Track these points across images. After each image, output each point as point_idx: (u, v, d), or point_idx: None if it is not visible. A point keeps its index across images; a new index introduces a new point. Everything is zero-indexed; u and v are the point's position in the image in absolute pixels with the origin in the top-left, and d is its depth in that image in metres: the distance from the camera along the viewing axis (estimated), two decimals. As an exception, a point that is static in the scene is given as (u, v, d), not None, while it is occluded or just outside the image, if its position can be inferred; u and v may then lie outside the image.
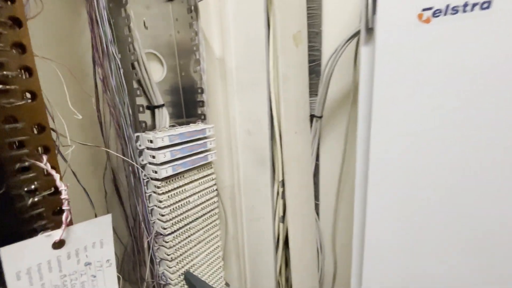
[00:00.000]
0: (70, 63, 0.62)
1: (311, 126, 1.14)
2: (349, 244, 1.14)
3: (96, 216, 0.55)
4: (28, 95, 0.36)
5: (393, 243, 0.78)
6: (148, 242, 0.75)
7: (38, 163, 0.33)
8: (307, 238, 1.18)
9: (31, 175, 0.34)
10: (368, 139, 0.74)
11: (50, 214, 0.38)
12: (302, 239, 1.14)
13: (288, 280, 1.26)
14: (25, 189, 0.34)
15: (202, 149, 0.81)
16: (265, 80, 0.97)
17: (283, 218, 1.09)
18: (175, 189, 0.75)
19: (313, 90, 1.13)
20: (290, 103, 0.99)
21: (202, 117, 0.92)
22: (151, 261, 0.77)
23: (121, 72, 0.63)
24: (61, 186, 0.33)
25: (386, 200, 0.75)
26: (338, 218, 1.23)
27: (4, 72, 0.33)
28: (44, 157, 0.34)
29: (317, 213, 1.26)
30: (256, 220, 1.15)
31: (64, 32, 0.65)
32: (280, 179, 1.03)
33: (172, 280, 0.77)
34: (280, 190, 1.04)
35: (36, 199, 0.35)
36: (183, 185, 0.78)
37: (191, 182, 0.80)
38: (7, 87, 0.33)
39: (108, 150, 0.49)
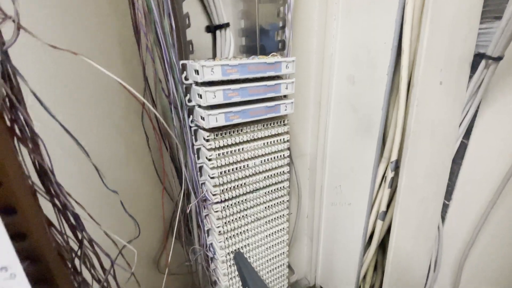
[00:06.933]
0: None
1: (471, 74, 0.65)
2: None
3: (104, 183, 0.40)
4: None
5: None
6: (196, 206, 0.61)
7: None
8: (418, 247, 0.79)
9: None
10: None
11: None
12: (411, 248, 0.77)
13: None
14: None
15: (273, 95, 0.54)
16: (398, -17, 0.55)
17: (385, 214, 0.74)
18: (228, 146, 0.54)
19: (487, 9, 0.61)
20: (441, 29, 0.55)
21: (280, 45, 0.62)
22: (199, 227, 0.64)
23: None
24: None
25: None
26: (484, 231, 0.76)
27: None
28: None
29: (442, 217, 0.82)
30: (341, 205, 0.85)
31: None
32: (393, 158, 0.65)
33: (219, 256, 0.62)
34: (390, 174, 0.67)
35: None
36: (240, 143, 0.55)
37: (252, 140, 0.57)
38: None
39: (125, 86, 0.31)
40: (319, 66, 0.76)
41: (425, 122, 0.60)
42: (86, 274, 0.40)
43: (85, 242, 0.39)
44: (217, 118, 0.49)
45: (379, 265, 0.92)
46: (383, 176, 0.71)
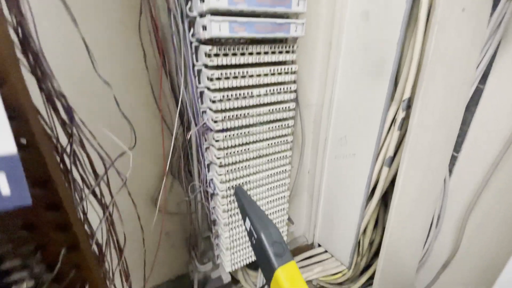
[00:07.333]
0: None
1: (494, 5, 0.60)
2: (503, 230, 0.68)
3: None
4: None
5: None
6: (196, 137, 0.58)
7: None
8: (422, 199, 0.77)
9: None
10: None
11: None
12: (415, 199, 0.75)
13: (372, 244, 0.95)
14: None
15: (282, 9, 0.49)
16: None
17: (392, 160, 0.71)
18: (232, 66, 0.51)
19: None
20: None
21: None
22: (199, 162, 0.61)
23: None
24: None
25: None
26: (490, 187, 0.74)
27: None
28: None
29: (450, 171, 0.80)
30: (345, 157, 0.82)
31: None
32: (406, 96, 0.62)
33: (220, 191, 0.60)
34: (401, 115, 0.64)
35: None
36: (244, 65, 0.52)
37: (257, 64, 0.53)
38: None
39: None
40: (331, 2, 0.71)
41: (443, 53, 0.56)
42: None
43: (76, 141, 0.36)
44: (221, 27, 0.44)
45: (379, 222, 0.91)
46: (393, 120, 0.68)
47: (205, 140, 0.59)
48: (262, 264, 0.50)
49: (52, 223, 0.29)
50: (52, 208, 0.28)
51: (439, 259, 0.90)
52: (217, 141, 0.55)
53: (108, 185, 0.40)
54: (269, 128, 0.60)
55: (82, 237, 0.31)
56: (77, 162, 0.37)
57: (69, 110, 0.35)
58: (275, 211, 0.72)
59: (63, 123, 0.36)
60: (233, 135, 0.56)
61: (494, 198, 0.76)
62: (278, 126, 0.61)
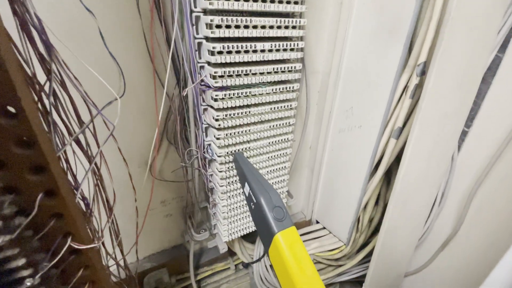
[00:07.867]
0: None
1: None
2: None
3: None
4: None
5: None
6: (193, 94, 0.53)
7: None
8: (428, 175, 0.75)
9: None
10: None
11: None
12: (421, 175, 0.72)
13: (372, 221, 0.93)
14: None
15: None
16: None
17: (401, 131, 0.67)
18: (233, 14, 0.45)
19: None
20: None
21: None
22: (196, 125, 0.57)
23: None
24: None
25: None
26: (498, 167, 0.70)
27: None
28: None
29: (459, 147, 0.77)
30: (350, 130, 0.78)
31: None
32: (422, 60, 0.57)
33: (218, 156, 0.56)
34: (414, 81, 0.59)
35: None
36: (247, 14, 0.47)
37: (261, 14, 0.48)
38: None
39: None
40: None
41: (466, 11, 0.51)
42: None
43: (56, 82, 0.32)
44: (223, -38, 0.39)
45: (381, 199, 0.89)
46: (404, 88, 0.64)
47: (203, 101, 0.54)
48: (261, 229, 0.47)
49: (25, 162, 0.25)
50: (25, 145, 0.25)
51: (439, 238, 0.88)
52: (215, 100, 0.51)
53: (94, 135, 0.36)
54: (272, 90, 0.56)
55: (62, 182, 0.27)
56: (59, 107, 0.33)
57: (47, 42, 0.30)
58: (275, 182, 0.69)
59: (41, 59, 0.31)
60: (233, 94, 0.52)
61: (501, 179, 0.73)
62: (282, 88, 0.57)
